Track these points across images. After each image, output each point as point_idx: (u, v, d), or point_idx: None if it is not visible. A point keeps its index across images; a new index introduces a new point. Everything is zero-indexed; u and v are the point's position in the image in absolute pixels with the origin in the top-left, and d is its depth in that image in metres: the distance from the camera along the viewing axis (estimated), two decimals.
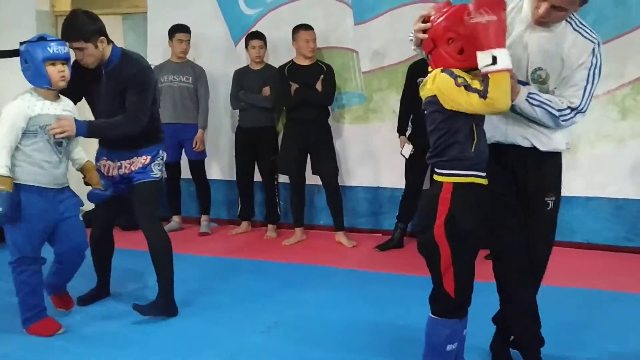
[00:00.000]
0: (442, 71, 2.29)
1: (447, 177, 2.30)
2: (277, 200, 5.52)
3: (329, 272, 4.41)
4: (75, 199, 3.37)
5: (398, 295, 3.88)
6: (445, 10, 2.31)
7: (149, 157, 3.52)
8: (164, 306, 3.51)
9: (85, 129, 3.25)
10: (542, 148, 2.53)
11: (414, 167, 4.85)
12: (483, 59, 2.17)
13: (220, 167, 5.88)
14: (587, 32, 2.48)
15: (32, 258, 3.22)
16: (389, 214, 5.32)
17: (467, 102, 2.22)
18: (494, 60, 2.15)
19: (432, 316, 2.40)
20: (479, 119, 2.32)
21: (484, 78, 2.20)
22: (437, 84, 2.28)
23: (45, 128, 3.14)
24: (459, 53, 2.27)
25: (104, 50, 3.35)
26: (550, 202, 2.56)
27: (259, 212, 5.73)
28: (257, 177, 5.56)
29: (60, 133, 3.16)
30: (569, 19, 2.46)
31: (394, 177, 5.20)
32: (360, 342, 3.19)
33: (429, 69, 2.39)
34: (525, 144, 2.54)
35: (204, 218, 5.64)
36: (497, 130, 2.56)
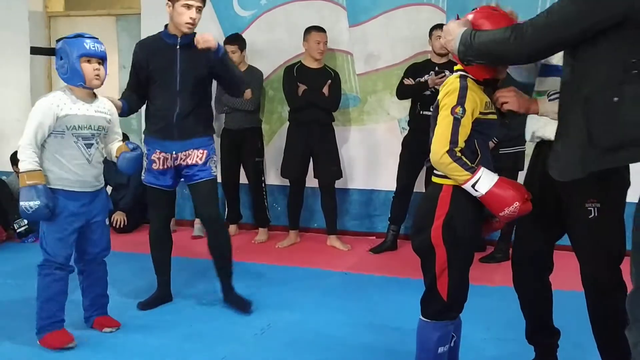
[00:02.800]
0: (460, 79, 2.25)
1: (446, 180, 2.27)
2: (266, 204, 5.48)
3: (323, 274, 4.40)
4: (104, 202, 3.28)
5: (392, 297, 3.87)
6: (497, 12, 2.28)
7: (205, 151, 3.50)
8: (240, 299, 3.63)
9: (221, 48, 3.36)
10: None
11: (406, 169, 4.85)
12: (468, 189, 2.21)
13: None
14: None
15: (59, 263, 3.11)
16: (383, 216, 5.31)
17: (438, 133, 2.21)
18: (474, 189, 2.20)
19: (423, 319, 2.37)
20: (482, 135, 2.29)
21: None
22: (447, 87, 2.25)
23: (73, 130, 3.05)
24: None
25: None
26: (592, 209, 2.32)
27: (248, 215, 5.70)
28: (243, 179, 5.51)
29: (203, 45, 3.25)
30: None
31: (388, 180, 5.18)
32: (354, 344, 3.18)
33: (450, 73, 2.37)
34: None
35: (197, 221, 5.61)
36: (537, 124, 2.45)
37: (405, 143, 4.92)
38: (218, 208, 3.68)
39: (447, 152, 2.19)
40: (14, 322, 3.42)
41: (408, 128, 4.95)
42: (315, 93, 4.93)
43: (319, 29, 5.00)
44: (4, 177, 5.64)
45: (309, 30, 5.01)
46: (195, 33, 3.40)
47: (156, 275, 3.72)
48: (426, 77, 4.74)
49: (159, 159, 3.53)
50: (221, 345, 3.17)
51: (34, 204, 2.94)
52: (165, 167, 3.53)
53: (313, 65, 5.02)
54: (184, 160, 3.50)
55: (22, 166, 2.99)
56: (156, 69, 3.46)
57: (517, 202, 2.20)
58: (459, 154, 2.20)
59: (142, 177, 3.62)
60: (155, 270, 3.72)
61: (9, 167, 5.63)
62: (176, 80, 3.43)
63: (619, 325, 2.36)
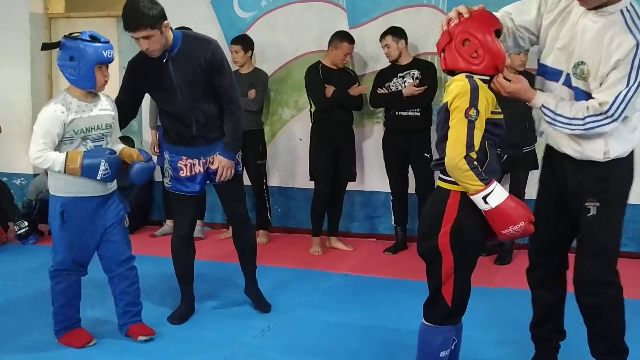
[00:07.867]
0: (468, 80, 2.22)
1: (454, 185, 2.25)
2: (268, 206, 5.47)
3: (323, 276, 4.40)
4: (119, 204, 3.21)
5: (392, 299, 3.88)
6: (471, 12, 2.29)
7: None
8: (259, 297, 3.69)
9: (232, 155, 3.38)
10: (575, 156, 2.41)
11: (396, 175, 4.94)
12: (477, 201, 2.18)
13: None
14: (637, 29, 2.17)
15: (70, 270, 3.14)
16: (384, 217, 5.32)
17: (452, 137, 2.18)
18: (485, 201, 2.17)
19: (426, 323, 2.37)
20: (492, 135, 2.26)
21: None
22: (455, 88, 2.22)
23: (81, 133, 3.01)
24: (472, 56, 2.25)
25: (167, 35, 3.15)
26: (591, 207, 2.39)
27: (250, 217, 5.67)
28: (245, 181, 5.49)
29: (226, 177, 3.36)
30: (625, 10, 2.20)
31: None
32: (354, 346, 3.18)
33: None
34: (562, 149, 2.45)
35: (198, 222, 5.60)
36: (544, 127, 2.51)
37: (385, 146, 4.98)
38: (243, 205, 3.65)
39: (465, 157, 2.15)
40: (14, 323, 3.43)
41: (384, 129, 5.02)
42: (344, 94, 4.94)
43: (352, 40, 4.95)
44: (4, 179, 5.64)
45: (341, 39, 4.93)
46: (185, 37, 3.29)
47: (179, 285, 3.60)
48: (394, 81, 4.80)
49: (186, 165, 3.42)
50: (221, 347, 3.18)
51: (103, 167, 2.95)
52: (194, 173, 3.43)
53: (333, 66, 5.00)
54: (212, 163, 3.43)
55: (56, 167, 2.94)
56: (154, 89, 3.35)
57: (522, 222, 2.16)
58: (475, 162, 2.16)
59: (167, 185, 3.52)
60: (178, 280, 3.59)
61: (9, 168, 5.63)
62: (177, 94, 3.26)
63: (607, 321, 2.48)
